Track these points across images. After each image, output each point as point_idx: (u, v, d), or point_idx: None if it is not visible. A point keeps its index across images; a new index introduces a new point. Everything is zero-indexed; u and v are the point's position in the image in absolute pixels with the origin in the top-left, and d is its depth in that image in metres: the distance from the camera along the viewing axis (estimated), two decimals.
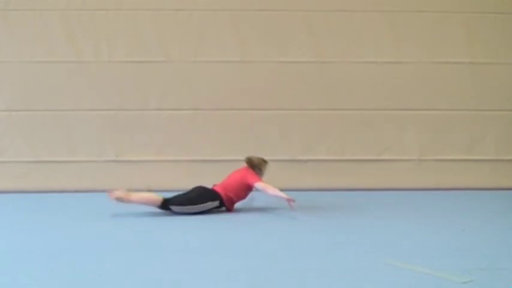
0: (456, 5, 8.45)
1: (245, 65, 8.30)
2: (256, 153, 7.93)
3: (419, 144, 8.46)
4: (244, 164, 6.67)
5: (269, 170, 6.74)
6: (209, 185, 6.52)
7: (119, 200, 6.26)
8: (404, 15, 8.42)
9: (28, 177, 8.04)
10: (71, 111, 8.19)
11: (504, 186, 8.27)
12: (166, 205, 6.26)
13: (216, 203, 6.37)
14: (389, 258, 4.52)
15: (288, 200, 6.06)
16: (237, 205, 6.58)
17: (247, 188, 6.48)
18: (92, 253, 4.75)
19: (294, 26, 8.35)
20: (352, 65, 8.37)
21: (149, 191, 6.54)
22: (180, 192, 6.46)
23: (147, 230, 5.68)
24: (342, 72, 8.37)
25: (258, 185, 6.34)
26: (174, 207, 6.26)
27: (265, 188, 6.29)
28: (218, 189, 6.44)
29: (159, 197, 6.28)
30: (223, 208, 6.45)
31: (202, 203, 6.31)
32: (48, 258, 4.60)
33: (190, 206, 6.27)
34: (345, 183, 8.17)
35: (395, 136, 8.44)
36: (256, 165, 6.61)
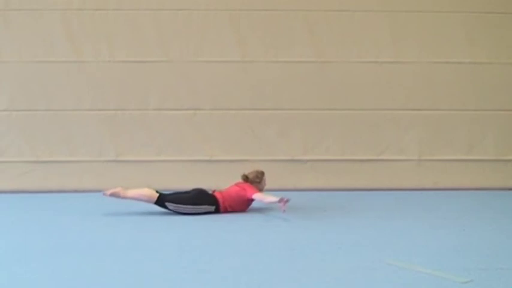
0: (456, 5, 8.43)
1: (245, 65, 8.29)
2: (256, 153, 7.97)
3: (419, 144, 8.44)
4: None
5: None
6: (210, 188, 6.53)
7: (114, 195, 6.28)
8: (404, 15, 8.41)
9: (28, 177, 8.03)
10: (71, 111, 8.18)
11: (504, 186, 8.27)
12: (162, 201, 6.26)
13: (212, 208, 6.35)
14: (390, 258, 4.52)
15: (280, 201, 6.01)
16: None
17: (246, 201, 6.47)
18: (92, 253, 4.76)
19: (294, 26, 8.33)
20: (352, 65, 8.36)
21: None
22: (178, 191, 6.47)
23: (147, 230, 5.69)
24: (342, 72, 8.36)
25: (255, 196, 6.37)
26: (169, 204, 6.26)
27: (261, 198, 6.34)
28: (218, 195, 6.44)
29: (154, 193, 6.28)
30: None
31: (199, 204, 6.31)
32: (48, 258, 4.61)
33: (186, 206, 6.26)
34: (344, 183, 8.17)
35: (395, 136, 8.43)
36: (253, 180, 6.59)
